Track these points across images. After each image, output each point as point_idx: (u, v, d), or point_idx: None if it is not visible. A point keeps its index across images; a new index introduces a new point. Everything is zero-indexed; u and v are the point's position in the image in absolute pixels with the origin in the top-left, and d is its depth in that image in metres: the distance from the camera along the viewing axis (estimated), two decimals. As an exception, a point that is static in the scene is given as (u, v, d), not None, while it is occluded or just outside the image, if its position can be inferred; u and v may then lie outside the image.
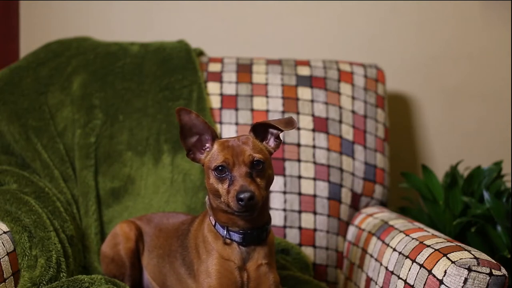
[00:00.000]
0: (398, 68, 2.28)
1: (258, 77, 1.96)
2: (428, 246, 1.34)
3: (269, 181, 1.27)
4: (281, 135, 1.31)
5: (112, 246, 1.54)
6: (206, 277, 1.29)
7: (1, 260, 1.38)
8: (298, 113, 1.90)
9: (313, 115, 1.91)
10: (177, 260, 1.41)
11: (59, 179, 1.76)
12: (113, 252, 1.53)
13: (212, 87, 1.94)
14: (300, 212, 1.83)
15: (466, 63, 2.31)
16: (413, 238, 1.43)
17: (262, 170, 1.24)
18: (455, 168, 1.99)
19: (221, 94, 1.93)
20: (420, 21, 2.29)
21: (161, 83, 1.91)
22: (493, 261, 1.23)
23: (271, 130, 1.30)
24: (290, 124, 1.27)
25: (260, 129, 1.30)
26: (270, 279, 1.31)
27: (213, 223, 1.31)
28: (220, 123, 1.89)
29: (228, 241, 1.29)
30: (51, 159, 1.78)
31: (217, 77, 1.96)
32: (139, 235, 1.55)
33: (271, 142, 1.30)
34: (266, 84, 1.94)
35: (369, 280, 1.57)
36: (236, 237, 1.29)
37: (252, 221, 1.27)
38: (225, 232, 1.29)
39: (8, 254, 1.41)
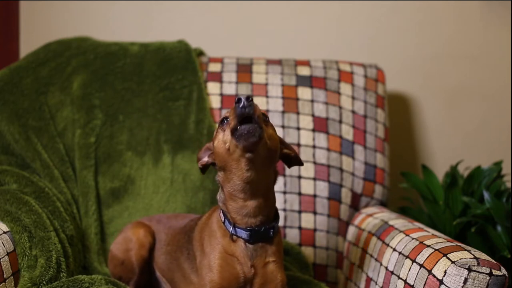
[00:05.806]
0: (398, 68, 2.28)
1: (258, 77, 1.96)
2: (428, 246, 1.34)
3: (273, 143, 1.25)
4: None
5: (124, 251, 1.53)
6: (208, 271, 1.29)
7: (1, 260, 1.38)
8: (298, 113, 1.90)
9: (313, 115, 1.90)
10: (183, 255, 1.42)
11: (59, 179, 1.76)
12: (124, 256, 1.52)
13: (212, 87, 1.94)
14: (300, 212, 1.83)
15: (466, 63, 2.31)
16: (413, 238, 1.43)
17: (266, 122, 1.26)
18: (455, 168, 1.99)
19: (221, 94, 1.93)
20: (420, 21, 2.29)
21: (161, 83, 1.91)
22: (493, 261, 1.23)
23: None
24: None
25: None
26: (278, 278, 1.31)
27: (223, 219, 1.31)
28: (220, 123, 1.89)
29: (234, 238, 1.28)
30: (51, 159, 1.78)
31: (217, 77, 1.96)
32: (153, 241, 1.54)
33: None
34: (266, 84, 1.94)
35: (369, 280, 1.57)
36: (243, 234, 1.27)
37: (258, 198, 1.25)
38: (231, 229, 1.28)
39: (8, 254, 1.41)
